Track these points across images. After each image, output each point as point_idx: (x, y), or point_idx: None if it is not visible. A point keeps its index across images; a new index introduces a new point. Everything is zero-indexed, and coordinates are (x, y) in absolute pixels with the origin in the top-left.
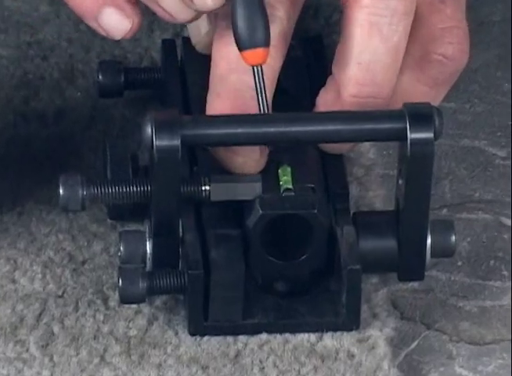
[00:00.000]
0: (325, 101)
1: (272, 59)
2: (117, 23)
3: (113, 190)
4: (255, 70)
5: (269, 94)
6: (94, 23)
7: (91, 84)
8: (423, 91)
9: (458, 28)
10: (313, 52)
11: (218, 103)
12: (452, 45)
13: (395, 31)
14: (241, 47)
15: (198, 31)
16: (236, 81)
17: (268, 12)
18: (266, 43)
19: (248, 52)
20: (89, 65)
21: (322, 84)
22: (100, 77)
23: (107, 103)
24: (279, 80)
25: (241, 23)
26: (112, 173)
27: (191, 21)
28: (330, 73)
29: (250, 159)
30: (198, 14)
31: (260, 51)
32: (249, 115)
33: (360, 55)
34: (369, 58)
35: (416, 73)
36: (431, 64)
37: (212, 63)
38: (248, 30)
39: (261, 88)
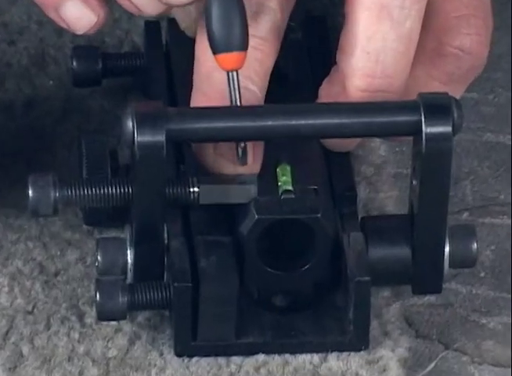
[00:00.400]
0: (328, 93)
1: (265, 56)
2: (80, 15)
3: (90, 192)
4: (230, 76)
5: (262, 93)
6: (54, 14)
7: (65, 71)
8: (436, 88)
9: (475, 17)
10: (316, 35)
11: (203, 103)
12: (469, 36)
13: (408, 15)
14: (215, 50)
15: (188, 15)
16: (223, 79)
17: (260, 2)
18: (243, 46)
19: (222, 56)
20: (62, 50)
21: (326, 70)
22: (75, 63)
23: (83, 92)
24: (277, 66)
25: (215, 22)
26: (88, 172)
27: (158, 16)
28: (335, 61)
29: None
30: (168, 9)
31: (235, 55)
32: (243, 107)
33: (368, 43)
34: (379, 46)
35: (428, 68)
36: (446, 58)
37: (196, 61)
38: (223, 31)
39: (235, 96)
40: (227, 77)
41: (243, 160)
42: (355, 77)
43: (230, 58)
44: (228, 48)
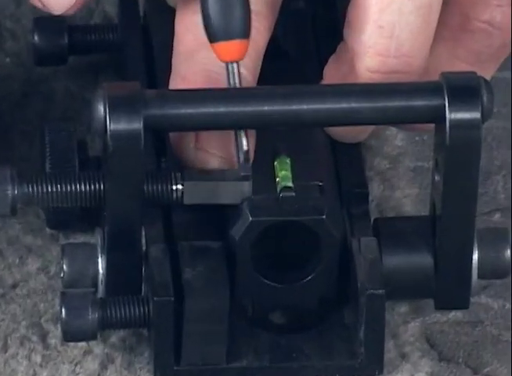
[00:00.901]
0: (334, 74)
1: (257, 33)
2: None
3: (54, 189)
4: (229, 68)
5: (254, 77)
6: None
7: (25, 47)
8: (462, 69)
9: None
10: (320, 3)
11: (182, 88)
12: (500, 8)
13: None
14: (212, 38)
15: None
16: (207, 59)
17: None
18: (245, 33)
19: (221, 45)
20: (21, 22)
21: (333, 45)
22: (36, 38)
23: (46, 72)
24: (276, 40)
25: (213, 5)
26: (52, 166)
27: None
28: (341, 37)
29: (227, 160)
30: None
31: (236, 43)
32: (235, 89)
33: (381, 15)
34: (394, 19)
35: (452, 46)
36: (473, 35)
37: (176, 38)
38: (222, 17)
39: None
40: (226, 69)
41: (245, 168)
42: (365, 55)
43: (230, 47)
44: (227, 36)
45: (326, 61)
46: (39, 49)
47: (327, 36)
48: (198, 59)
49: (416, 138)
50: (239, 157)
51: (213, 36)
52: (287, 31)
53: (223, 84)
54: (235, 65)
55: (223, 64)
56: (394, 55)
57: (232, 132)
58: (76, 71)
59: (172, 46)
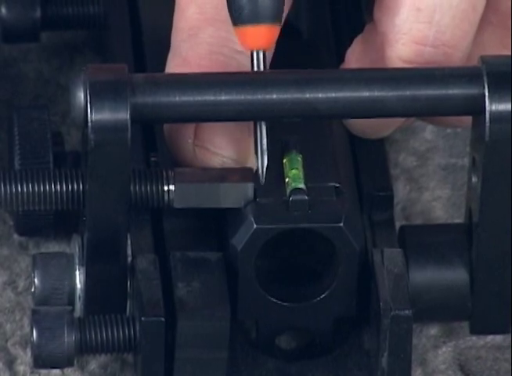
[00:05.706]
0: (359, 59)
1: None
2: None
3: (24, 189)
4: (254, 56)
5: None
6: None
7: None
8: None
9: None
10: None
11: (181, 71)
12: None
13: None
14: (236, 19)
15: None
16: (214, 39)
17: None
18: (275, 18)
19: (247, 29)
20: None
21: (354, 25)
22: (3, 10)
23: (14, 52)
24: (288, 18)
25: None
26: (22, 162)
27: None
28: (369, 15)
29: (230, 159)
30: None
31: (265, 29)
32: (239, 74)
33: None
34: (434, 1)
35: (501, 34)
36: None
37: (177, 10)
38: None
39: None
40: (250, 57)
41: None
42: (398, 42)
43: (257, 33)
44: (255, 19)
45: (345, 43)
46: (6, 24)
47: (348, 13)
48: (203, 38)
49: (449, 131)
50: (257, 154)
51: (238, 18)
52: (300, 8)
53: (232, 69)
54: (261, 53)
55: (233, 46)
56: (432, 44)
57: (237, 126)
58: (50, 51)
59: (165, 22)
